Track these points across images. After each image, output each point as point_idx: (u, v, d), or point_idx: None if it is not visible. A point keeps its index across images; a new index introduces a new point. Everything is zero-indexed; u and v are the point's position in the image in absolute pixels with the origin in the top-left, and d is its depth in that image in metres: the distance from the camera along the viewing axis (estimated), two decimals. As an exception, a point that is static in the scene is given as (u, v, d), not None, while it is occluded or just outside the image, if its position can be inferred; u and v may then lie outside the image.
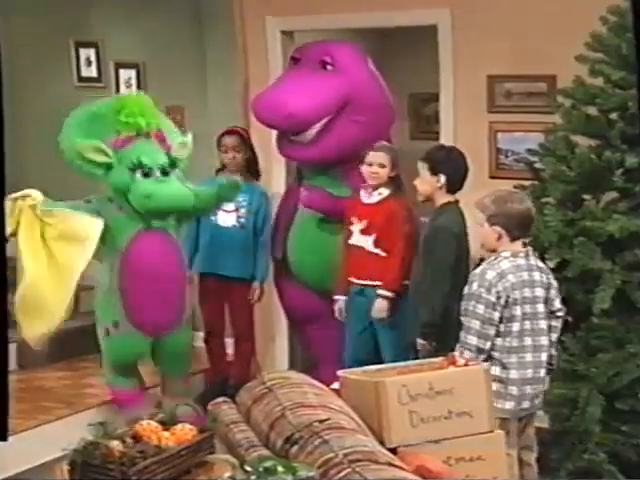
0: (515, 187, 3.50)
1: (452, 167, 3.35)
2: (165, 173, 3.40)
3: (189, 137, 3.54)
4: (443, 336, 3.13)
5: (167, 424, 2.22)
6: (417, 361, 2.52)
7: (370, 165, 3.59)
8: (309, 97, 3.72)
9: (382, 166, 3.58)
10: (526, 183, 3.50)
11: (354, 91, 3.79)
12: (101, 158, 3.34)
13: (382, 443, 2.18)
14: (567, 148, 3.27)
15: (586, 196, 3.30)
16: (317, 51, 3.88)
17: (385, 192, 3.62)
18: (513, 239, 2.87)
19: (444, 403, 2.23)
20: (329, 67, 3.83)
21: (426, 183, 3.36)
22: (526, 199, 2.97)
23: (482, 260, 3.01)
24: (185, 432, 2.16)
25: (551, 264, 3.32)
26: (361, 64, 3.89)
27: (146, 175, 3.35)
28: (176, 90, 4.55)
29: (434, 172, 3.38)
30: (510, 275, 2.82)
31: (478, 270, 2.86)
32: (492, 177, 3.87)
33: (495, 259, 2.85)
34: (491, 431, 2.28)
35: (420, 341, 3.22)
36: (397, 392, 2.20)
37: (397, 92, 4.15)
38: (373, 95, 3.85)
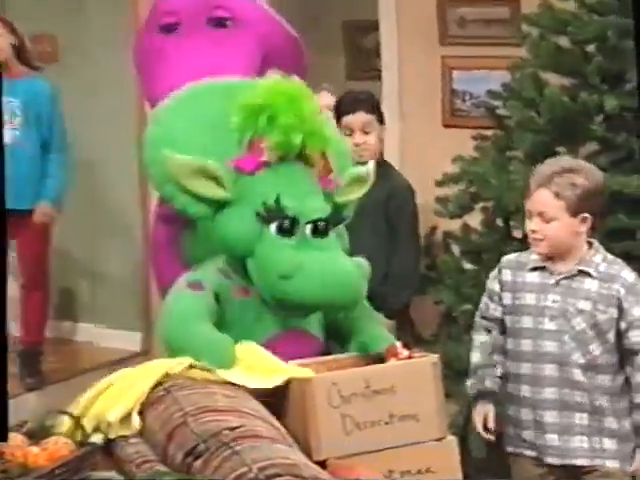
0: (474, 138, 3.56)
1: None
2: (321, 233, 2.46)
3: (370, 167, 2.69)
4: None
5: (37, 437, 2.19)
6: (349, 354, 2.53)
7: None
8: (234, 69, 3.63)
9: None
10: (488, 133, 3.55)
11: (266, 43, 3.73)
12: (213, 192, 2.42)
13: (309, 454, 2.19)
14: (535, 89, 3.31)
15: (559, 148, 3.35)
16: (201, 9, 3.72)
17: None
18: (593, 229, 2.64)
19: (384, 404, 2.25)
20: (228, 23, 3.70)
21: (378, 138, 3.37)
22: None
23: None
24: (60, 446, 2.13)
25: (517, 234, 3.39)
26: (257, 6, 3.85)
27: (285, 231, 2.42)
28: (45, 13, 4.45)
29: (382, 122, 3.43)
30: None
31: (631, 275, 2.58)
32: (446, 126, 3.92)
33: (605, 257, 2.62)
34: (442, 438, 2.31)
35: (387, 321, 3.29)
36: (326, 392, 2.22)
37: (328, 20, 4.16)
38: (284, 40, 3.81)
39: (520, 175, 3.29)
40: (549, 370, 2.63)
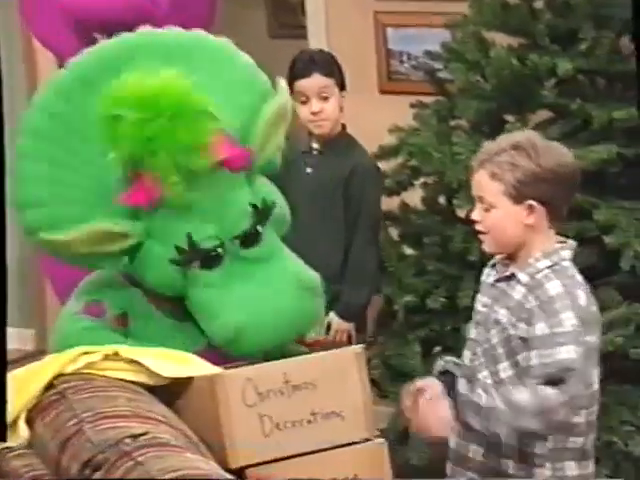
0: (413, 105, 3.61)
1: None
2: (252, 240, 2.41)
3: (283, 99, 2.46)
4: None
5: None
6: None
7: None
8: None
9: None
10: (428, 100, 3.59)
11: None
12: (118, 247, 2.38)
13: (225, 462, 2.19)
14: (480, 49, 3.36)
15: (508, 116, 3.41)
16: None
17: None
18: (555, 223, 2.47)
19: (305, 401, 2.25)
20: None
21: (338, 106, 3.34)
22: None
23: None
24: None
25: (460, 213, 3.45)
26: None
27: (211, 264, 2.38)
28: None
29: (342, 87, 3.40)
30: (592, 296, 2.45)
31: (556, 289, 2.38)
32: (383, 92, 3.95)
33: (555, 264, 2.42)
34: (370, 438, 2.31)
35: (341, 323, 3.38)
36: (241, 389, 2.21)
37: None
38: None
39: (464, 147, 3.33)
40: (460, 386, 2.46)
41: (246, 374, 2.25)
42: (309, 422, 2.26)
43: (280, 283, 2.42)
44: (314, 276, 2.47)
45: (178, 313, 2.49)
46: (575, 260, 2.97)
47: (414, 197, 3.60)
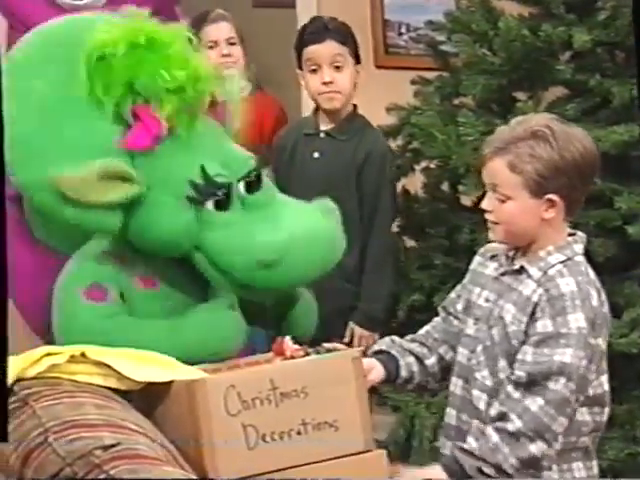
0: (413, 82, 3.60)
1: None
2: (256, 185, 2.51)
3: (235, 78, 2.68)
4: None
5: None
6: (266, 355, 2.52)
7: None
8: None
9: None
10: (430, 75, 3.59)
11: None
12: (126, 193, 2.39)
13: (205, 477, 2.20)
14: (487, 19, 3.36)
15: (518, 94, 3.43)
16: None
17: None
18: (570, 215, 2.49)
19: (294, 410, 2.25)
20: None
21: (352, 79, 3.36)
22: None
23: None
24: None
25: (466, 200, 3.44)
26: None
27: (223, 204, 2.46)
28: None
29: (357, 60, 3.41)
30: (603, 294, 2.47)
31: (569, 286, 2.39)
32: (379, 66, 3.96)
33: (568, 259, 2.44)
34: (367, 451, 2.31)
35: (363, 332, 3.37)
36: (223, 396, 2.21)
37: None
38: None
39: (471, 127, 3.33)
40: (454, 386, 2.54)
41: (229, 380, 2.26)
42: (299, 433, 2.26)
43: (298, 211, 2.54)
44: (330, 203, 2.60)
45: (166, 297, 2.54)
46: (594, 252, 2.97)
47: (415, 183, 3.58)
